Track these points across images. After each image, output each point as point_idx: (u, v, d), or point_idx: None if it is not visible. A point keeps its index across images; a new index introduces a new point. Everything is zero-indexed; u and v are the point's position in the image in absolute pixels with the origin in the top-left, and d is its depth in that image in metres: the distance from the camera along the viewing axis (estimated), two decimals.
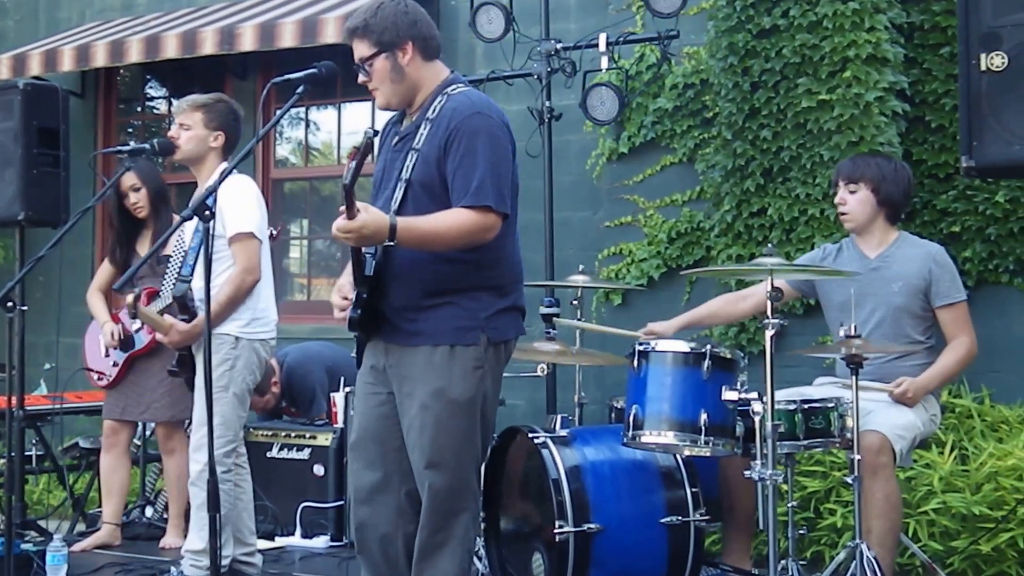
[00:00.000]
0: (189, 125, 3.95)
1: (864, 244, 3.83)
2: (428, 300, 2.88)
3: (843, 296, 3.75)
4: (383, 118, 3.18)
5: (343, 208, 2.65)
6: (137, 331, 4.65)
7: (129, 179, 4.66)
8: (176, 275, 3.93)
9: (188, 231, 3.93)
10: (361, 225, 2.66)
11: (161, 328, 3.98)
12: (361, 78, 2.99)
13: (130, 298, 3.93)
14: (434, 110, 2.91)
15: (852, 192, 3.78)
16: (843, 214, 3.83)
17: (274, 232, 4.11)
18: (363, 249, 2.84)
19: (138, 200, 4.69)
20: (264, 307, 3.98)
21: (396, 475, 2.96)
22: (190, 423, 4.84)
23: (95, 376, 4.81)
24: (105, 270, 4.84)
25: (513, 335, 2.99)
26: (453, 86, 2.96)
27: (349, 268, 3.04)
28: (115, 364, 4.71)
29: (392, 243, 2.73)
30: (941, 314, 3.68)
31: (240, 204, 3.87)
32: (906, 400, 3.58)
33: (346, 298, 2.92)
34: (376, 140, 3.14)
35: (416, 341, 2.89)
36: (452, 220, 2.80)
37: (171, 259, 4.60)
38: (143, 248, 4.74)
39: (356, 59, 2.98)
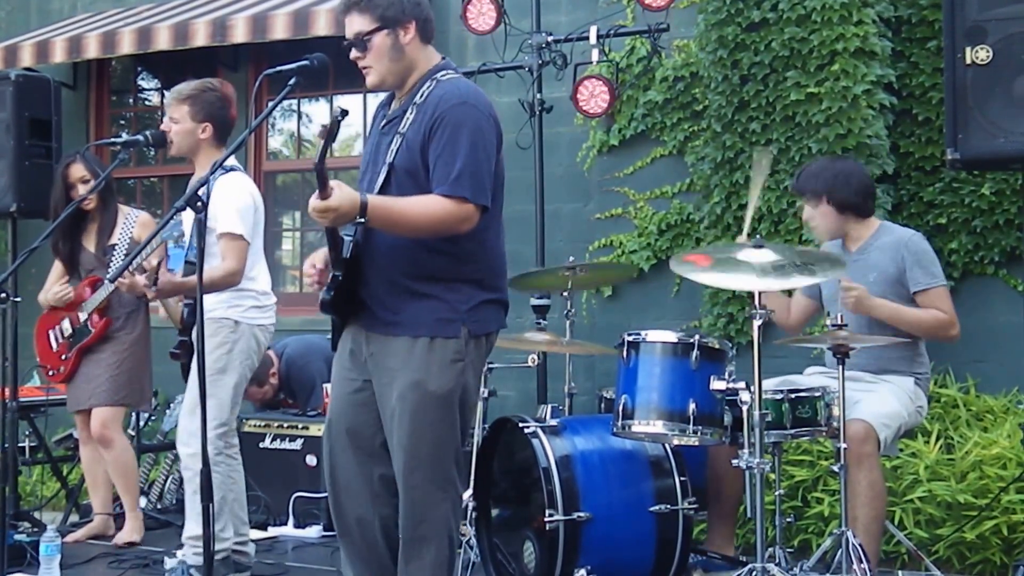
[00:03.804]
0: (177, 119, 3.92)
1: (847, 240, 3.85)
2: (407, 289, 2.87)
3: (830, 289, 3.80)
4: (374, 110, 3.19)
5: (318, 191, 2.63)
6: (85, 321, 4.64)
7: (77, 171, 4.64)
8: (183, 260, 3.93)
9: (187, 222, 3.93)
10: (337, 204, 2.65)
11: (174, 314, 4.01)
12: (354, 54, 2.93)
13: (153, 263, 3.71)
14: (422, 95, 2.89)
15: (814, 207, 3.79)
16: (814, 228, 3.86)
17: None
18: (341, 231, 2.83)
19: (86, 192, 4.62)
20: (264, 293, 4.00)
21: (369, 460, 2.97)
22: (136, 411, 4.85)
23: (48, 371, 4.80)
24: (56, 271, 4.80)
25: (495, 328, 2.98)
26: (443, 72, 2.94)
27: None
28: (65, 358, 4.68)
29: (363, 220, 2.70)
30: (919, 299, 3.66)
31: (232, 204, 3.83)
32: (849, 297, 3.52)
33: (315, 266, 2.91)
34: (343, 120, 3.12)
35: (396, 331, 2.89)
36: (426, 205, 2.78)
37: (116, 248, 4.63)
38: (88, 240, 4.72)
39: (351, 34, 2.92)
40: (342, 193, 2.66)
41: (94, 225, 4.72)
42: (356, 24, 2.91)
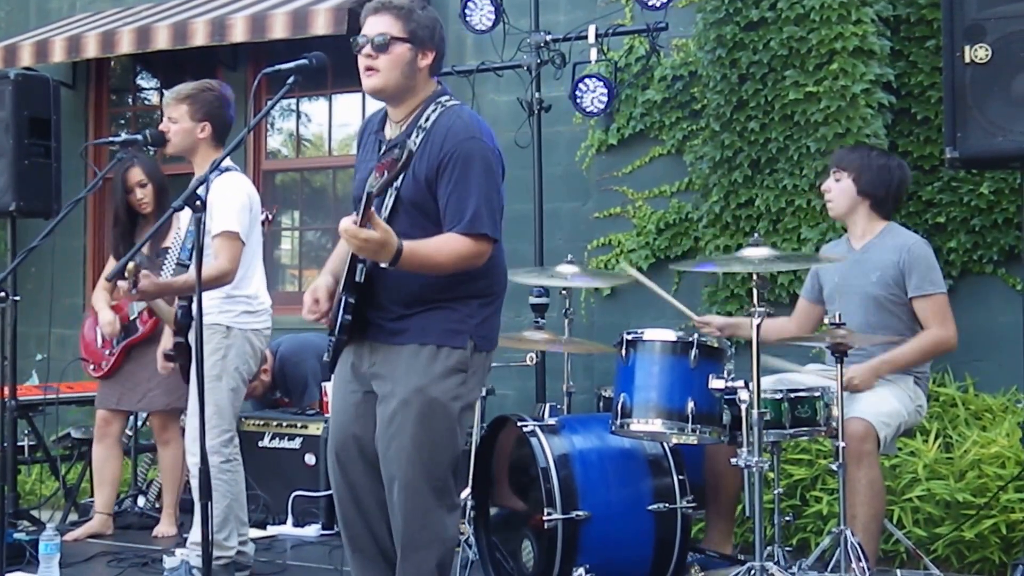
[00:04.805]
0: (176, 118, 3.92)
1: (851, 235, 3.87)
2: (419, 301, 2.90)
3: (831, 286, 3.81)
4: (374, 109, 3.19)
5: (358, 214, 2.63)
6: (134, 320, 4.69)
7: (136, 175, 4.70)
8: (175, 262, 3.93)
9: (184, 221, 3.93)
10: (367, 237, 2.65)
11: (167, 316, 4.00)
12: (367, 51, 2.89)
13: (131, 266, 3.64)
14: (427, 119, 2.91)
15: (837, 180, 3.83)
16: (828, 201, 3.89)
17: (270, 216, 4.10)
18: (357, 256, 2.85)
19: (144, 196, 4.72)
20: (256, 297, 3.98)
21: (374, 469, 2.97)
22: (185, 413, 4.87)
23: (91, 366, 4.83)
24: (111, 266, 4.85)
25: (496, 344, 3.04)
26: (445, 96, 2.98)
27: (327, 267, 3.06)
28: (111, 353, 4.74)
29: (391, 266, 2.71)
30: (915, 305, 3.65)
31: (229, 203, 3.82)
32: (854, 387, 3.52)
33: (317, 300, 2.95)
34: (362, 138, 3.14)
35: (402, 340, 2.91)
36: (450, 248, 2.82)
37: (168, 252, 4.63)
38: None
39: (374, 32, 2.89)
40: (384, 233, 2.66)
41: (148, 228, 4.75)
42: (384, 25, 2.90)
